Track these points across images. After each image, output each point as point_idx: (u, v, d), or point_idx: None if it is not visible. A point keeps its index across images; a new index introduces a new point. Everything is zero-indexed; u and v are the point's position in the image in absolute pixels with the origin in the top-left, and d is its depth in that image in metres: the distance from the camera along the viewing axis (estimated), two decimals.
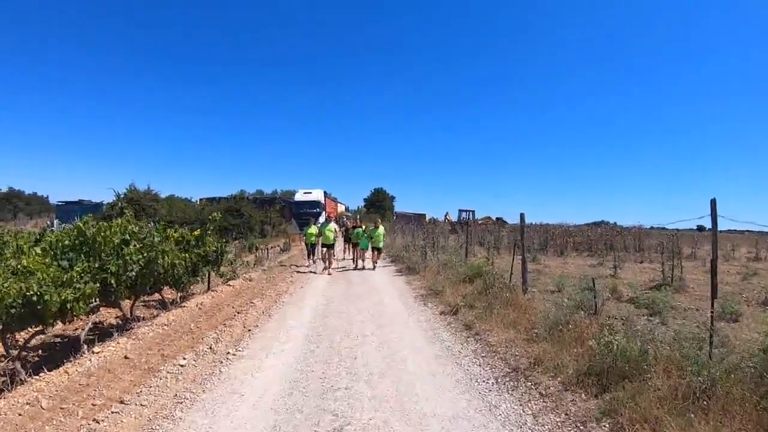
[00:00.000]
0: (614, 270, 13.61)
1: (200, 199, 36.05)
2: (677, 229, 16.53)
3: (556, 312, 5.75)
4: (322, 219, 27.14)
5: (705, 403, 3.28)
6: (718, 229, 4.58)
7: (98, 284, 5.84)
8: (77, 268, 5.51)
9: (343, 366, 5.00)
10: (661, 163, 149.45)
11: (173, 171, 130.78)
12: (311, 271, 13.45)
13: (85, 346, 5.72)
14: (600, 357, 4.11)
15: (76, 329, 6.95)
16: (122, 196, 27.00)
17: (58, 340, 7.19)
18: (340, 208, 48.37)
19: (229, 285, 10.57)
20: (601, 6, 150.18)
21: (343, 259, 16.42)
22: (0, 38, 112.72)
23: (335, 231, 14.09)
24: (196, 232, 9.37)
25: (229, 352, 5.50)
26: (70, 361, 5.10)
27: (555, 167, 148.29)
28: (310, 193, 35.16)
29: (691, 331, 4.70)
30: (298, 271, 13.56)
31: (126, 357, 5.26)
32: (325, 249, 13.60)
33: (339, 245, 15.31)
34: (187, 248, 8.83)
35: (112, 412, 3.83)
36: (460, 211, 40.44)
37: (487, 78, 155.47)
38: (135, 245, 6.78)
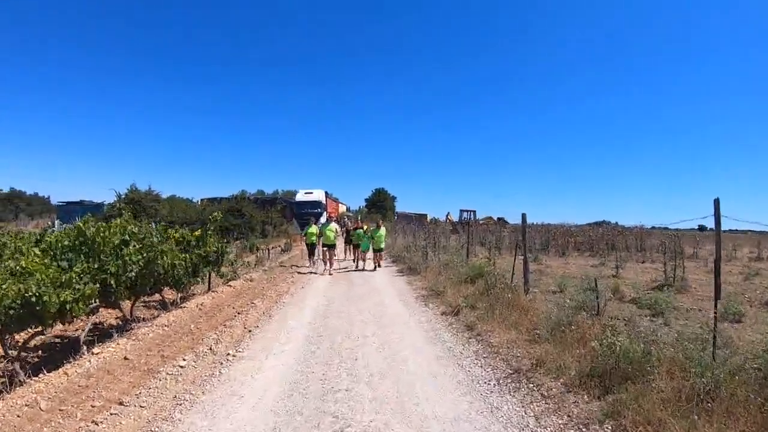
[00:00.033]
0: (616, 270, 13.57)
1: (201, 200, 36.08)
2: (679, 229, 16.48)
3: (558, 313, 5.72)
4: (323, 219, 27.13)
5: (709, 405, 3.25)
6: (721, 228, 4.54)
7: (98, 285, 5.82)
8: (76, 269, 5.49)
9: (343, 367, 4.97)
10: (661, 162, 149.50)
11: (174, 171, 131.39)
12: (312, 272, 13.42)
13: (85, 347, 5.70)
14: (603, 358, 4.08)
15: (76, 330, 6.93)
16: (123, 196, 27.03)
17: (58, 340, 7.17)
18: (342, 208, 48.34)
19: (230, 285, 10.55)
20: (601, 6, 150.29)
21: (345, 259, 16.39)
22: (0, 38, 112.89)
23: (336, 231, 14.05)
24: (196, 233, 9.35)
25: (229, 353, 5.47)
26: (70, 362, 5.09)
27: (555, 167, 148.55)
28: (312, 193, 35.15)
29: (694, 331, 4.66)
30: (299, 272, 13.53)
31: (126, 358, 5.24)
32: (325, 249, 13.55)
33: (340, 245, 15.25)
34: (188, 249, 8.81)
35: (111, 414, 3.81)
36: (462, 211, 40.43)
37: (487, 78, 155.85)
38: (134, 246, 6.76)
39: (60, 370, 4.82)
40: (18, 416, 3.75)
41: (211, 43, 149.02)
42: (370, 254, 14.69)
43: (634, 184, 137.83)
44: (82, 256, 5.98)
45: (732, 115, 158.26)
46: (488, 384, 4.46)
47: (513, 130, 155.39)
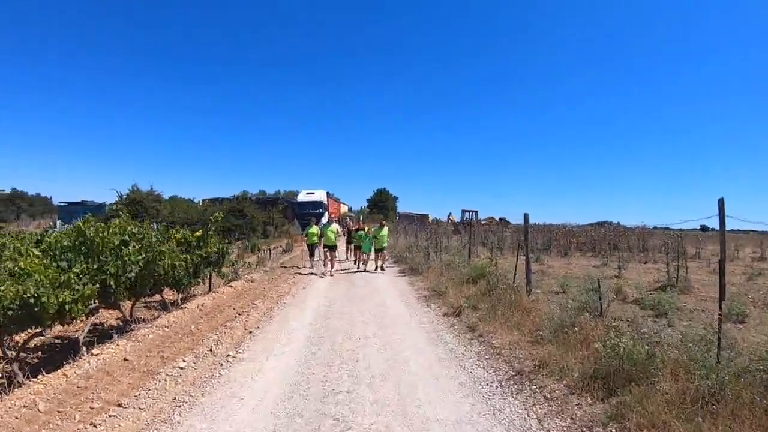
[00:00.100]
0: (618, 270, 13.49)
1: (203, 200, 36.14)
2: (681, 229, 16.40)
3: (560, 313, 5.67)
4: (324, 219, 27.13)
5: (714, 407, 3.20)
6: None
7: (97, 285, 5.79)
8: (75, 270, 5.47)
9: (344, 368, 4.94)
10: (662, 162, 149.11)
11: (175, 172, 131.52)
12: (313, 273, 13.38)
13: (84, 348, 5.67)
14: (606, 360, 4.03)
15: (76, 331, 6.91)
16: (125, 197, 27.07)
17: (57, 341, 7.16)
18: (344, 208, 48.35)
19: (231, 286, 10.53)
20: (601, 6, 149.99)
21: (346, 260, 16.35)
22: (0, 38, 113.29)
23: (337, 232, 13.97)
24: (197, 233, 9.33)
25: (229, 355, 5.44)
26: (69, 363, 5.07)
27: (556, 167, 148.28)
28: (313, 193, 35.16)
29: (698, 333, 4.60)
30: (300, 273, 13.50)
31: (125, 359, 5.22)
32: (326, 250, 13.46)
33: (341, 246, 15.20)
34: (189, 249, 8.79)
35: (110, 416, 3.78)
36: (463, 211, 40.31)
37: (487, 78, 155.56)
38: (134, 246, 6.73)
39: (59, 371, 4.80)
40: (16, 418, 3.73)
41: (211, 43, 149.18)
42: (371, 255, 14.57)
43: (635, 184, 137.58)
44: (81, 256, 5.96)
45: (732, 115, 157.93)
46: (490, 386, 4.42)
47: (513, 130, 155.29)
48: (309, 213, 28.37)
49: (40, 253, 5.50)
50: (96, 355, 5.29)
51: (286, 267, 15.22)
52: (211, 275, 9.95)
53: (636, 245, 24.04)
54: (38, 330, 5.42)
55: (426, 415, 3.76)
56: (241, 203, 30.74)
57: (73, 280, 5.21)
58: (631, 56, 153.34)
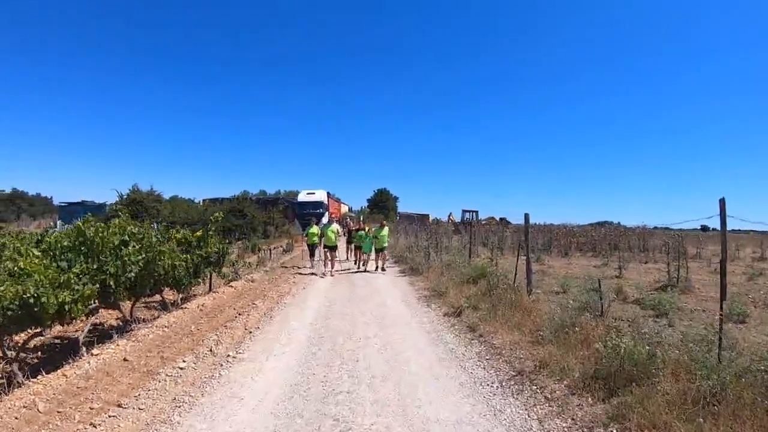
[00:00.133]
0: (619, 270, 13.49)
1: (203, 200, 36.17)
2: (681, 229, 16.39)
3: (561, 314, 5.66)
4: (325, 219, 27.14)
5: (715, 408, 3.19)
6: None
7: (97, 285, 5.79)
8: (75, 270, 5.46)
9: (345, 369, 4.93)
10: (663, 163, 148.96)
11: (176, 172, 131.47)
12: (313, 273, 13.37)
13: (84, 348, 5.67)
14: (607, 360, 4.02)
15: (76, 331, 6.90)
16: (125, 197, 27.10)
17: (57, 341, 7.16)
18: (344, 208, 48.33)
19: (231, 286, 10.53)
20: (601, 6, 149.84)
21: (346, 260, 16.33)
22: (0, 38, 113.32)
23: (337, 232, 13.95)
24: (198, 233, 9.32)
25: (229, 355, 5.44)
26: (69, 364, 5.06)
27: (556, 167, 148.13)
28: (314, 193, 35.16)
29: (699, 333, 4.59)
30: (301, 273, 13.50)
31: (125, 359, 5.21)
32: (327, 250, 13.44)
33: (341, 246, 15.18)
34: (189, 249, 8.79)
35: (110, 416, 3.78)
36: (464, 211, 40.28)
37: (487, 78, 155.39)
38: (134, 246, 6.73)
39: (59, 371, 4.80)
40: (16, 418, 3.72)
41: (211, 43, 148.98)
42: (372, 255, 14.54)
43: (635, 184, 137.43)
44: (81, 256, 5.95)
45: (733, 115, 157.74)
46: (491, 386, 4.41)
47: (513, 130, 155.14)
48: (309, 213, 28.39)
49: (40, 253, 5.49)
50: (96, 355, 5.29)
51: (286, 267, 15.22)
52: (211, 275, 9.95)
53: (636, 245, 24.03)
54: (38, 330, 5.42)
55: (426, 415, 3.75)
56: (242, 203, 30.78)
57: (72, 280, 5.21)
58: (631, 56, 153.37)
